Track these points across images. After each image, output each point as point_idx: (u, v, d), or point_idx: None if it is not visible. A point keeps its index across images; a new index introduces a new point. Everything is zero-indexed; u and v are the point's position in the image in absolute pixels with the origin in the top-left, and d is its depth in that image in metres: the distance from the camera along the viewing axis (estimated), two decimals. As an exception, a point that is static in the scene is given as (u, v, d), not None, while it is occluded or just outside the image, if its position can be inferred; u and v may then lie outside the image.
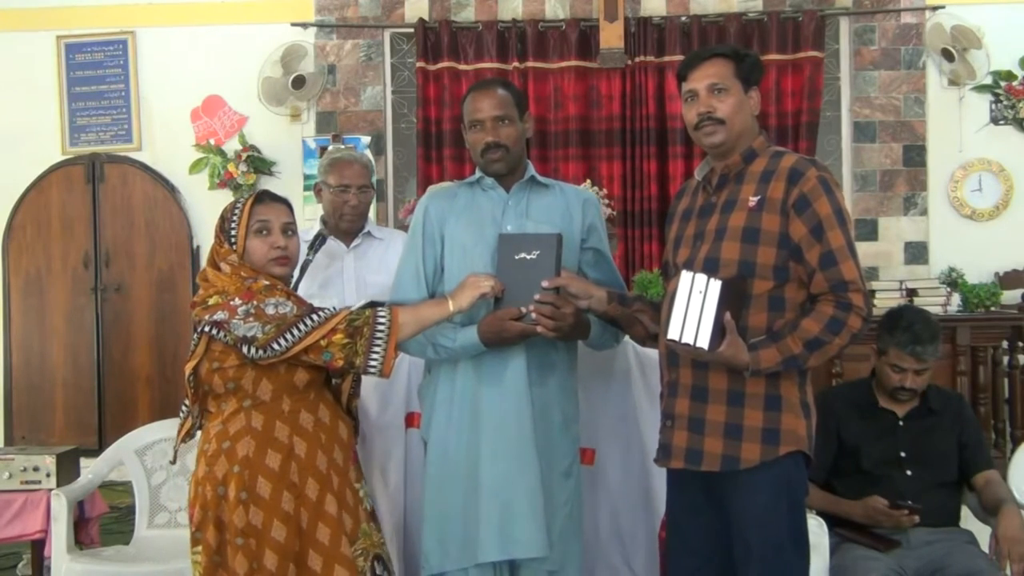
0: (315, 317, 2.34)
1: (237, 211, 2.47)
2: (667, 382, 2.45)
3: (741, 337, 2.24)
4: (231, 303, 2.34)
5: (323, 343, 2.32)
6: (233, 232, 2.45)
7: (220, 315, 2.34)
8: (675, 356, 2.39)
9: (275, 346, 2.31)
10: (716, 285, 2.17)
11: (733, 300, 2.23)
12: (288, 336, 2.31)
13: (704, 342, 2.18)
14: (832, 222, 2.28)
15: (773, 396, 2.31)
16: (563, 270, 2.46)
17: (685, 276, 2.22)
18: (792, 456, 2.32)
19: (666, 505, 2.55)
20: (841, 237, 2.28)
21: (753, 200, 2.33)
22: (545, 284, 2.41)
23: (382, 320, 2.36)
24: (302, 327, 2.32)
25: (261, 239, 2.45)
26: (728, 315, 2.20)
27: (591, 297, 2.49)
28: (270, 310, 2.33)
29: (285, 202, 2.54)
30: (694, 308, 2.19)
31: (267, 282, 2.41)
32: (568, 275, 2.48)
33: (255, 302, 2.34)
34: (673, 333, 2.21)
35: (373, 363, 2.34)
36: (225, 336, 2.33)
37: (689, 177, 2.60)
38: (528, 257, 2.44)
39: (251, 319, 2.31)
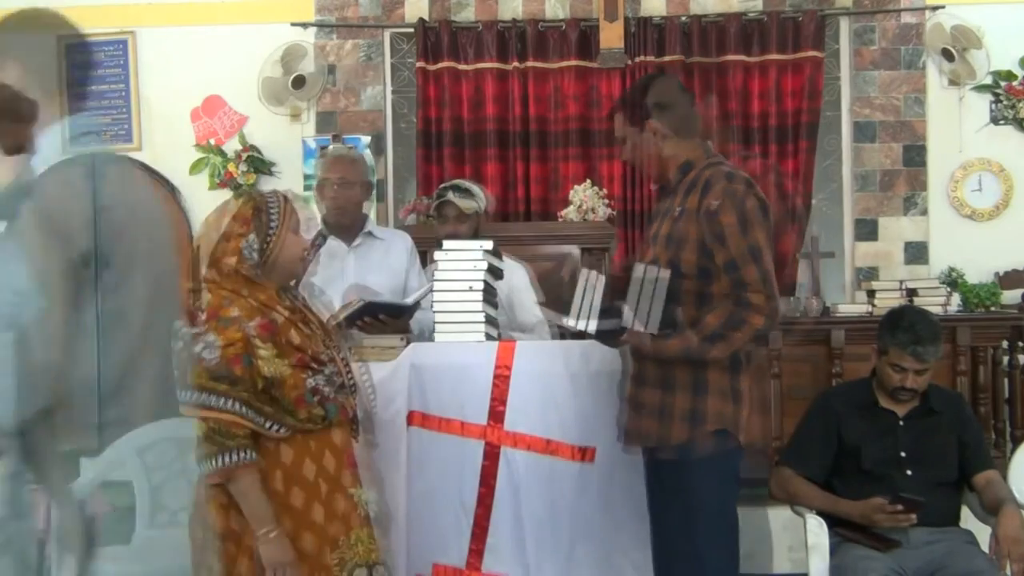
0: (204, 396, 2.26)
1: (274, 204, 2.43)
2: (622, 370, 2.74)
3: (672, 328, 2.55)
4: (193, 315, 2.32)
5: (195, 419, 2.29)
6: (274, 223, 2.40)
7: (176, 323, 2.33)
8: (630, 348, 2.67)
9: (177, 392, 2.30)
10: (601, 279, 2.56)
11: (617, 294, 2.58)
12: (181, 392, 2.29)
13: (592, 328, 2.56)
14: (734, 230, 2.52)
15: (699, 382, 2.57)
16: None
17: (583, 273, 2.60)
18: (719, 434, 2.56)
19: (645, 481, 2.74)
20: (743, 244, 2.52)
21: (678, 210, 2.62)
22: None
23: (239, 458, 2.28)
24: (189, 395, 2.28)
25: (297, 236, 2.44)
26: (627, 308, 2.55)
27: None
28: (196, 348, 2.27)
29: None
30: (587, 300, 2.57)
31: (237, 313, 2.32)
32: None
33: (204, 328, 2.29)
34: (570, 320, 2.59)
35: (202, 468, 2.30)
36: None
37: None
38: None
39: (179, 345, 2.29)
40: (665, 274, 2.56)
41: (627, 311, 2.57)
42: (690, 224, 2.57)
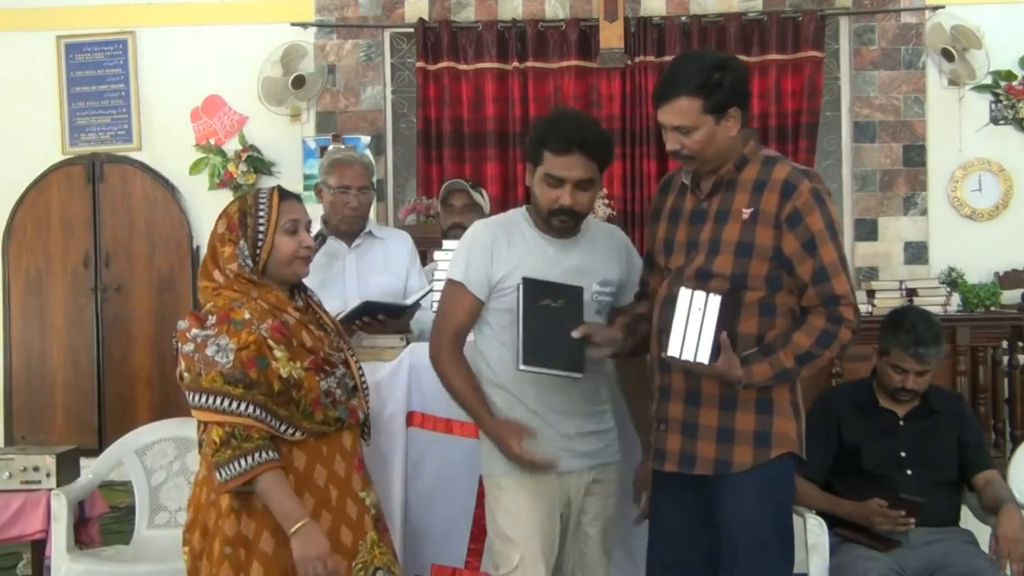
0: (219, 400, 2.21)
1: (263, 207, 2.37)
2: (658, 386, 2.46)
3: (732, 344, 2.26)
4: (201, 318, 2.28)
5: (209, 424, 2.24)
6: (261, 227, 2.35)
7: (182, 324, 2.29)
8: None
9: (188, 396, 2.26)
10: (715, 300, 2.22)
11: (728, 314, 2.26)
12: (193, 396, 2.24)
13: (704, 357, 2.22)
14: (824, 237, 2.30)
15: (764, 400, 2.35)
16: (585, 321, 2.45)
17: (684, 294, 2.25)
18: (782, 459, 2.36)
19: (652, 499, 2.57)
20: (833, 252, 2.30)
21: (747, 212, 2.34)
22: (575, 334, 2.39)
23: (259, 459, 2.22)
24: (203, 398, 2.23)
25: (290, 237, 2.37)
26: (724, 333, 2.23)
27: (614, 342, 2.46)
28: (208, 350, 2.23)
29: (302, 200, 2.49)
30: (693, 325, 2.23)
31: (248, 315, 2.27)
32: (592, 325, 2.46)
33: (215, 331, 2.24)
34: (673, 350, 2.24)
35: (221, 474, 2.22)
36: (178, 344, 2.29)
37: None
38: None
39: (188, 348, 2.25)
40: (738, 284, 2.31)
41: (675, 332, 2.26)
42: (767, 227, 2.31)
